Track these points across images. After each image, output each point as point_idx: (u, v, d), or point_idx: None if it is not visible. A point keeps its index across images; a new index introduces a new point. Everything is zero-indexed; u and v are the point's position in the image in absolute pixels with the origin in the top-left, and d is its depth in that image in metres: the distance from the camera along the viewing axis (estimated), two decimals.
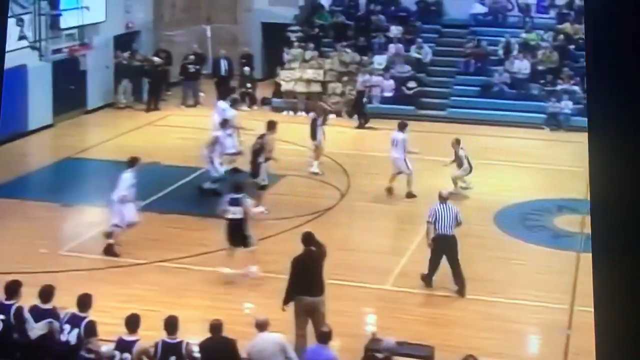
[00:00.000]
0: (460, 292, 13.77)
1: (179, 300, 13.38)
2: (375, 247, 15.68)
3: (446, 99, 26.06)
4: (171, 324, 10.21)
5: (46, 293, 10.89)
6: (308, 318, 11.78)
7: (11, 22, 22.16)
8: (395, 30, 28.12)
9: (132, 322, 10.26)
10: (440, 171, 18.88)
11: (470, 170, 18.56)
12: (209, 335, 10.37)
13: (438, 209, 13.95)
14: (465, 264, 14.77)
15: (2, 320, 10.59)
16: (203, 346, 10.26)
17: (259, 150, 17.75)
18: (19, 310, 10.59)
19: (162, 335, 10.14)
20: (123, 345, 10.09)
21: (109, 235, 15.43)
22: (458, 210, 14.24)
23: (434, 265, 13.94)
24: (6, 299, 10.73)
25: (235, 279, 14.33)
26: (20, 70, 23.03)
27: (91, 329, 10.42)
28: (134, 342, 10.10)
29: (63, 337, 10.47)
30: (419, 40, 27.54)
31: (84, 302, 10.68)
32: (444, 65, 27.26)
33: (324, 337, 10.29)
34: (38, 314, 10.69)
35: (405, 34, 28.03)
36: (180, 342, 10.13)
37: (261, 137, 18.11)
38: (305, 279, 11.88)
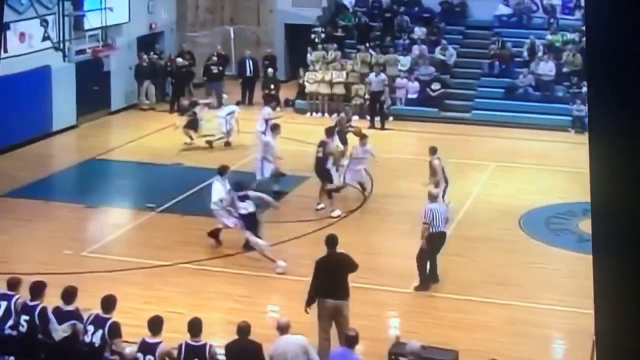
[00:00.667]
0: (425, 287, 14.01)
1: (201, 302, 13.43)
2: (399, 250, 15.62)
3: (470, 101, 25.99)
4: (195, 326, 10.19)
5: (69, 294, 10.96)
6: (332, 321, 11.79)
7: (35, 23, 22.38)
8: (419, 31, 28.09)
9: (155, 324, 10.27)
10: (462, 174, 18.83)
11: (446, 186, 17.35)
12: (231, 337, 10.34)
13: (432, 209, 13.98)
14: (490, 267, 14.77)
15: (27, 321, 10.67)
16: (229, 348, 10.24)
17: (324, 158, 17.86)
18: (43, 310, 10.66)
19: (186, 338, 10.15)
20: (146, 348, 10.10)
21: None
22: (448, 208, 14.52)
23: (425, 264, 14.05)
24: (31, 300, 10.80)
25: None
26: (44, 71, 23.25)
27: (115, 330, 10.45)
28: (156, 344, 10.11)
29: (87, 338, 10.50)
30: (443, 41, 27.47)
31: (108, 303, 10.71)
32: (468, 67, 27.19)
33: (351, 341, 10.28)
34: (61, 315, 10.76)
35: (429, 35, 28.00)
36: (204, 345, 10.12)
37: (322, 144, 18.11)
38: (329, 281, 11.86)
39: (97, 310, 10.61)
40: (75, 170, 21.17)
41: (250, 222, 14.90)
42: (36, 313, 10.63)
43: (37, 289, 10.91)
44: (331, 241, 12.11)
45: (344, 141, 19.53)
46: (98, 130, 23.61)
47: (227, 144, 21.95)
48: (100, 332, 10.44)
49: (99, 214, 17.40)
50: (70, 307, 10.89)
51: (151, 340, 10.14)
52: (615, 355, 3.69)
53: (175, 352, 10.13)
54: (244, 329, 10.25)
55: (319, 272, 11.92)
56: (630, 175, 3.51)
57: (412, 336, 11.18)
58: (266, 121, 19.77)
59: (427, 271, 14.06)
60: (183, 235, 16.52)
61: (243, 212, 14.79)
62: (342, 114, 21.38)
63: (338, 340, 11.56)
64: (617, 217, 3.57)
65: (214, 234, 15.87)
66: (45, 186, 19.64)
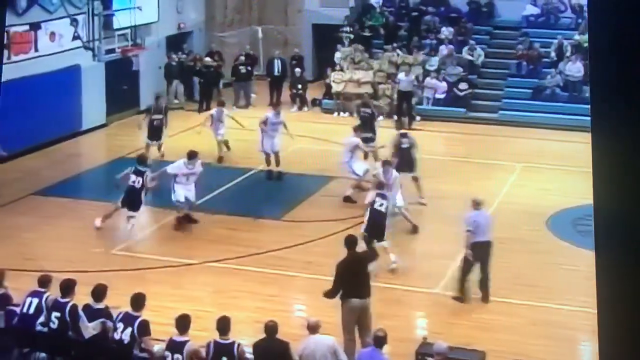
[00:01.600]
0: (486, 298, 13.70)
1: (229, 301, 13.48)
2: (426, 250, 15.63)
3: (498, 102, 25.90)
4: (223, 325, 10.23)
5: (99, 292, 11.07)
6: (356, 321, 11.82)
7: (65, 22, 22.50)
8: (446, 31, 28.02)
9: (183, 323, 10.34)
10: (489, 175, 18.77)
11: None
12: (259, 336, 10.39)
13: (476, 216, 13.79)
14: (517, 268, 14.72)
15: (58, 318, 10.77)
16: (257, 347, 10.29)
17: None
18: (74, 308, 10.77)
19: (214, 336, 10.20)
20: (174, 346, 10.16)
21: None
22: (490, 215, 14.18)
23: (467, 274, 13.77)
24: (61, 297, 10.92)
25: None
26: (74, 70, 23.42)
27: (144, 328, 10.55)
28: (184, 342, 10.17)
29: (116, 336, 10.60)
30: (471, 41, 27.39)
31: (138, 301, 10.80)
32: (495, 67, 27.09)
33: (380, 341, 10.30)
34: (91, 313, 10.87)
35: (457, 35, 27.93)
36: (232, 343, 10.16)
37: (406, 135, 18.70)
38: (354, 281, 11.89)
39: (127, 308, 10.72)
40: (105, 169, 21.26)
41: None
42: (67, 310, 10.75)
43: (68, 287, 11.03)
44: (351, 242, 12.18)
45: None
46: (127, 129, 23.69)
47: None
48: (129, 329, 10.54)
49: (126, 212, 17.44)
50: (100, 305, 11.01)
51: (179, 338, 10.21)
52: (617, 354, 3.67)
53: (202, 351, 10.19)
54: (271, 328, 10.28)
55: (343, 273, 11.94)
56: (633, 176, 3.50)
57: (439, 337, 11.21)
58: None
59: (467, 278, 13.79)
60: (211, 234, 16.60)
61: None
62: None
63: (360, 339, 11.61)
64: (619, 217, 3.55)
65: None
66: (75, 185, 19.81)
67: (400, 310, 13.26)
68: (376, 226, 14.62)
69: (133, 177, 16.42)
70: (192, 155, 17.02)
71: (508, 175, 20.07)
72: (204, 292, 13.93)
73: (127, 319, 10.62)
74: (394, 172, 16.47)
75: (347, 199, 18.20)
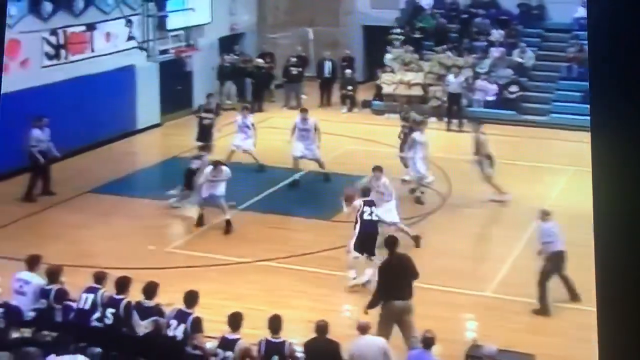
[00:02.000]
0: (576, 297, 13.53)
1: (280, 300, 13.53)
2: (476, 253, 15.60)
3: (548, 104, 25.70)
4: (275, 324, 10.30)
5: (150, 290, 11.21)
6: (394, 323, 11.79)
7: (120, 23, 22.80)
8: (496, 33, 27.87)
9: (235, 321, 10.41)
10: (539, 178, 18.64)
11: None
12: (309, 335, 10.44)
13: (552, 227, 13.55)
14: (568, 272, 14.59)
15: (113, 314, 10.93)
16: (307, 346, 10.33)
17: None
18: (128, 305, 10.92)
19: (265, 334, 10.27)
20: (226, 344, 10.24)
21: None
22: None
23: (545, 286, 13.47)
24: (116, 294, 11.07)
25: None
26: (129, 70, 23.68)
27: (197, 325, 10.65)
28: (236, 340, 10.24)
29: (170, 332, 10.72)
30: (522, 44, 27.22)
31: (191, 298, 10.91)
32: (546, 70, 26.86)
33: (428, 342, 10.30)
34: (142, 311, 11.01)
35: (507, 37, 27.76)
36: (284, 342, 10.21)
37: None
38: (396, 283, 11.88)
39: (180, 305, 10.84)
40: (159, 167, 21.51)
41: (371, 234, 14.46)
42: (122, 307, 10.89)
43: (123, 284, 11.19)
44: (391, 243, 12.19)
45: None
46: (181, 129, 23.90)
47: None
48: (182, 326, 10.65)
49: (182, 210, 17.63)
50: (150, 303, 11.14)
51: (231, 336, 10.29)
52: (618, 354, 3.65)
53: (254, 349, 10.26)
54: (322, 328, 10.31)
55: (385, 275, 11.94)
56: (633, 176, 3.45)
57: (489, 339, 11.15)
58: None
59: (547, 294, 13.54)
60: (262, 233, 16.69)
61: (367, 217, 14.33)
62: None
63: (405, 341, 11.61)
64: (619, 218, 3.51)
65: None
66: (130, 183, 20.05)
67: (450, 312, 13.21)
68: (368, 239, 14.15)
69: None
70: (216, 164, 17.01)
71: (559, 178, 19.91)
72: (255, 290, 13.99)
73: (180, 316, 10.74)
74: (384, 179, 15.95)
75: (418, 201, 18.15)
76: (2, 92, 19.56)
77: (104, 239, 16.34)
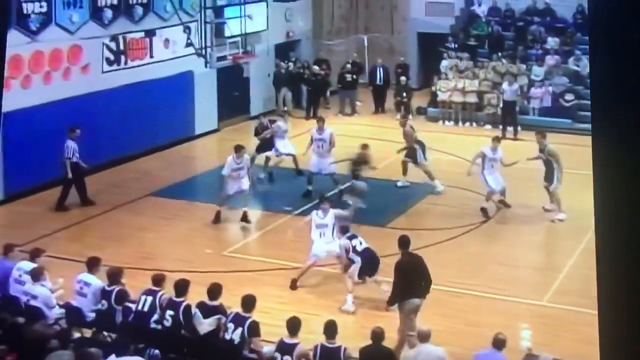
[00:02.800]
0: None
1: (336, 305, 13.55)
2: (533, 262, 15.44)
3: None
4: (330, 329, 10.31)
5: (214, 291, 11.30)
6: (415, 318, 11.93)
7: (178, 29, 22.96)
8: (552, 41, 27.63)
9: (293, 325, 10.43)
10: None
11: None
12: (364, 341, 10.44)
13: None
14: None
15: (172, 316, 11.02)
16: (363, 353, 10.31)
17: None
18: (188, 307, 11.01)
19: (320, 339, 10.28)
20: (284, 348, 10.26)
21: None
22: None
23: None
24: (176, 296, 11.17)
25: None
26: (187, 76, 23.88)
27: (254, 329, 10.68)
28: (294, 345, 10.25)
29: (227, 336, 10.78)
30: (577, 52, 26.93)
31: (248, 302, 10.96)
32: None
33: (500, 343, 10.26)
34: (205, 310, 11.10)
35: (563, 45, 27.51)
36: (339, 347, 10.21)
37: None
38: (415, 281, 12.03)
39: (237, 308, 10.89)
40: (217, 172, 21.43)
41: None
42: (181, 309, 10.99)
43: (182, 287, 11.28)
44: (405, 242, 12.32)
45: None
46: (238, 134, 23.97)
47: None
48: (239, 330, 10.70)
49: (239, 215, 17.71)
50: (214, 303, 11.22)
51: (289, 341, 10.30)
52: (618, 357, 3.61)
53: (311, 354, 10.28)
54: (378, 335, 10.32)
55: (401, 274, 12.06)
56: (634, 179, 3.45)
57: (544, 349, 11.10)
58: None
59: None
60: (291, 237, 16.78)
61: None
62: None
63: (399, 334, 11.79)
64: (620, 221, 3.55)
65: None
66: (189, 187, 20.18)
67: (506, 320, 13.09)
68: (373, 264, 13.99)
69: None
70: (238, 149, 17.26)
71: None
72: (311, 295, 14.03)
73: (238, 320, 10.79)
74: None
75: (483, 211, 17.85)
76: (65, 96, 19.91)
77: (164, 241, 16.50)
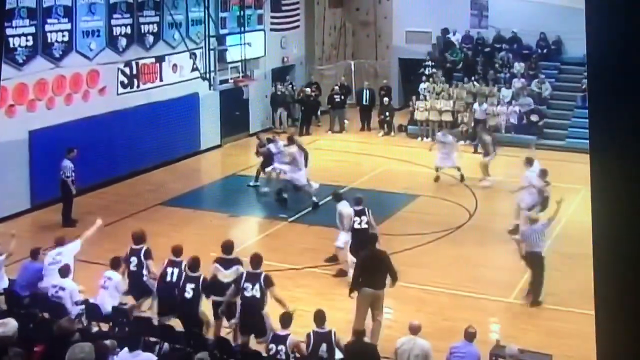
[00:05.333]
0: (536, 302, 13.83)
1: (327, 303, 13.45)
2: (501, 263, 15.58)
3: (565, 130, 25.62)
4: (320, 317, 10.48)
5: (229, 246, 12.15)
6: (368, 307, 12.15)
7: (185, 56, 23.09)
8: (518, 66, 27.87)
9: (285, 320, 10.56)
10: (558, 196, 18.54)
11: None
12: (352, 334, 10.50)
13: (525, 230, 13.98)
14: (585, 281, 14.44)
15: (192, 289, 11.55)
16: (348, 349, 10.34)
17: None
18: (205, 279, 11.71)
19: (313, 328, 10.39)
20: (277, 339, 10.42)
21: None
22: (542, 228, 13.89)
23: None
24: (191, 272, 11.69)
25: None
26: (193, 97, 23.96)
27: (269, 280, 11.34)
28: (286, 336, 10.38)
29: (247, 294, 11.20)
30: (541, 75, 27.20)
31: (256, 260, 11.52)
32: (563, 100, 26.79)
33: (471, 336, 10.40)
34: (224, 262, 11.90)
35: (528, 69, 27.75)
36: (330, 332, 10.33)
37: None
38: (370, 274, 12.16)
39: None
40: (220, 183, 21.70)
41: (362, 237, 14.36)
42: (200, 281, 11.58)
43: (196, 263, 11.82)
44: (373, 239, 12.62)
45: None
46: (239, 149, 24.14)
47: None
48: (257, 285, 11.21)
49: (240, 222, 17.84)
50: (231, 256, 11.89)
51: (281, 333, 10.45)
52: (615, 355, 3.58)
53: (302, 345, 10.37)
54: (360, 332, 10.43)
55: (361, 268, 12.25)
56: (633, 191, 3.29)
57: (511, 340, 11.17)
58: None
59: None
60: (310, 242, 16.81)
61: (357, 226, 14.49)
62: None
63: (372, 319, 12.04)
64: (618, 233, 3.38)
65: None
66: (195, 197, 20.23)
67: (476, 315, 13.17)
68: (361, 243, 13.87)
69: None
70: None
71: (574, 197, 19.80)
72: (305, 294, 14.09)
73: (252, 277, 11.27)
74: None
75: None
76: (84, 116, 19.93)
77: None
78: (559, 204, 14.24)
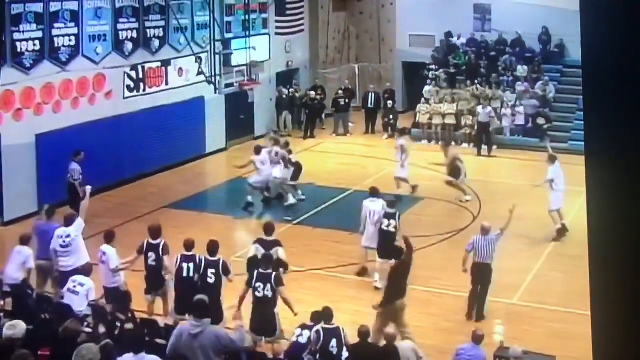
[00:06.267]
0: (478, 318, 13.27)
1: (332, 305, 13.31)
2: (505, 265, 15.52)
3: (568, 132, 25.58)
4: (327, 313, 10.59)
5: (270, 228, 13.21)
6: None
7: (191, 59, 23.15)
8: (521, 69, 27.85)
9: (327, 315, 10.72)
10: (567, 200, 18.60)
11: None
12: (356, 334, 10.46)
13: (477, 240, 13.38)
14: (587, 283, 14.55)
15: (214, 274, 11.85)
16: (353, 350, 10.33)
17: None
18: (225, 263, 12.08)
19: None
20: (303, 325, 10.73)
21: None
22: (496, 238, 13.49)
23: (472, 294, 13.44)
24: (210, 256, 12.09)
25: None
26: (199, 101, 23.99)
27: (280, 279, 11.54)
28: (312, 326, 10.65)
29: (259, 294, 11.40)
30: (544, 78, 27.17)
31: (268, 260, 11.85)
32: (566, 102, 26.72)
33: (479, 339, 10.41)
34: (265, 244, 12.66)
35: (531, 73, 27.72)
36: (338, 327, 10.41)
37: None
38: (402, 285, 12.15)
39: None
40: (225, 186, 21.69)
41: (386, 239, 14.63)
42: (220, 266, 11.90)
43: (215, 247, 12.20)
44: (400, 250, 12.69)
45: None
46: (244, 152, 23.95)
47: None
48: (268, 285, 11.35)
49: (245, 224, 17.84)
50: (272, 238, 12.59)
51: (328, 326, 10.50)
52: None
53: (314, 338, 10.36)
54: (365, 334, 10.35)
55: (394, 279, 12.18)
56: (628, 194, 3.25)
57: (515, 342, 11.19)
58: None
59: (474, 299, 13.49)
60: (316, 245, 16.81)
61: (384, 228, 14.57)
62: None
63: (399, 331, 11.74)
64: (614, 234, 3.34)
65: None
66: (200, 200, 20.26)
67: None
68: (387, 246, 14.33)
69: None
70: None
71: (577, 199, 19.73)
72: (311, 296, 14.06)
73: (263, 277, 11.43)
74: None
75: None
76: (91, 119, 19.96)
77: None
78: (511, 213, 13.76)
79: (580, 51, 3.43)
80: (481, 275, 13.31)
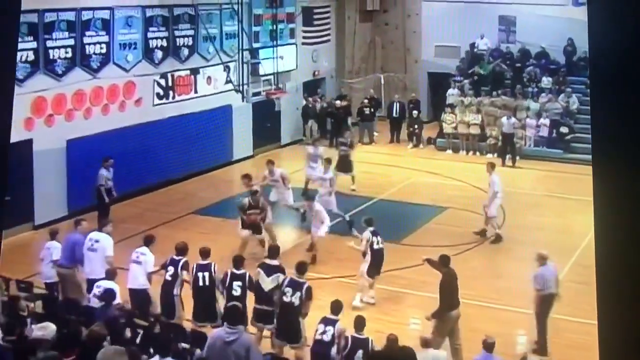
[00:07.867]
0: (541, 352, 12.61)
1: (354, 312, 13.55)
2: (526, 275, 15.39)
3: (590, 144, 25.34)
4: (360, 322, 10.50)
5: (274, 250, 12.42)
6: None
7: (219, 68, 23.30)
8: (545, 80, 27.69)
9: (337, 307, 10.89)
10: (583, 209, 18.39)
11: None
12: (378, 343, 10.42)
13: (544, 274, 12.75)
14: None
15: (240, 286, 11.75)
16: (383, 354, 10.28)
17: None
18: (250, 277, 11.91)
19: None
20: (327, 322, 10.65)
21: None
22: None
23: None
24: (236, 269, 11.94)
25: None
26: (227, 109, 24.11)
27: (310, 292, 11.53)
28: (335, 320, 10.67)
29: (286, 299, 11.41)
30: (568, 89, 26.98)
31: (302, 267, 11.84)
32: (589, 114, 26.50)
33: (490, 346, 10.25)
34: (267, 268, 11.93)
35: (555, 84, 27.55)
36: (368, 339, 10.31)
37: None
38: (455, 295, 12.02)
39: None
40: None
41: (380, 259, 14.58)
42: (246, 279, 11.77)
43: (240, 260, 12.07)
44: (446, 260, 12.40)
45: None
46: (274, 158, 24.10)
47: None
48: (298, 293, 11.38)
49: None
50: (275, 262, 11.94)
51: (332, 317, 10.67)
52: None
53: (342, 343, 10.34)
54: (393, 341, 10.26)
55: (447, 289, 12.05)
56: (635, 201, 3.23)
57: (535, 353, 11.08)
58: None
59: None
60: (341, 252, 16.68)
61: (376, 247, 14.43)
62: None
63: (451, 349, 11.75)
64: (620, 244, 3.33)
65: None
66: (226, 206, 20.11)
67: (502, 327, 13.12)
68: (379, 265, 14.33)
69: None
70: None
71: None
72: (320, 301, 14.05)
73: (295, 284, 11.47)
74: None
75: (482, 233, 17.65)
76: (120, 126, 20.16)
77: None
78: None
79: (588, 56, 3.45)
80: (551, 305, 12.68)
